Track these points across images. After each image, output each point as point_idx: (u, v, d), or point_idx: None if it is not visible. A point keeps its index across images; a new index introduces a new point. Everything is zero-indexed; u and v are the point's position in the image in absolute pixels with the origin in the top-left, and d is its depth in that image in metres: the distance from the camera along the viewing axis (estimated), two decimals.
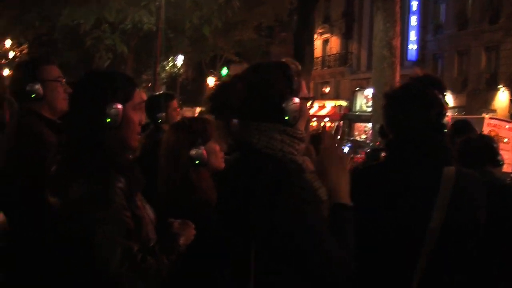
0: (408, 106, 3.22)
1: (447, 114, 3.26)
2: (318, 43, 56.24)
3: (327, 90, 58.75)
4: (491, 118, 29.52)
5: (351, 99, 53.74)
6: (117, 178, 2.73)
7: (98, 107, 2.81)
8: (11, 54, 48.27)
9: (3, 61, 51.46)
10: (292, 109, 2.60)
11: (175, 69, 34.63)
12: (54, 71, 4.21)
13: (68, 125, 3.02)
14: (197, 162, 3.49)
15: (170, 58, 29.75)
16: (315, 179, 2.69)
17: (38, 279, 3.15)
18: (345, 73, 54.54)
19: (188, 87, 53.38)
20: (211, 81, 48.30)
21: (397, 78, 14.12)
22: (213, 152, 3.58)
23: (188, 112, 78.62)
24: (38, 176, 3.35)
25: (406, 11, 41.06)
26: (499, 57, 38.41)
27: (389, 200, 3.06)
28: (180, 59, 34.26)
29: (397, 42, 14.01)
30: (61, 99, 4.14)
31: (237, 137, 2.77)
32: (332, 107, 56.51)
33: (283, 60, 2.79)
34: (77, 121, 2.90)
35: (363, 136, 45.49)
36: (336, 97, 56.47)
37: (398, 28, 14.18)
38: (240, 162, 2.69)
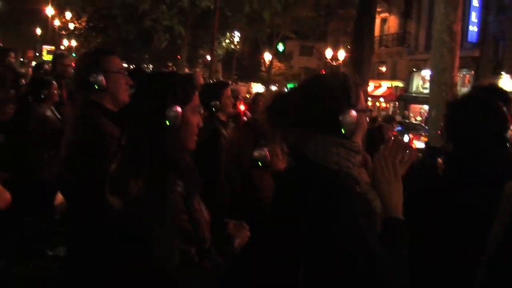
0: (470, 117, 3.16)
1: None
2: (376, 22, 55.68)
3: (383, 69, 58.18)
4: None
5: (408, 80, 53.16)
6: (176, 182, 2.76)
7: (158, 110, 2.85)
8: (71, 26, 49.09)
9: (63, 32, 52.40)
10: (349, 122, 2.57)
11: (232, 46, 34.72)
12: (117, 62, 4.27)
13: (128, 126, 3.05)
14: (259, 163, 3.48)
15: (227, 35, 29.85)
16: (370, 191, 2.67)
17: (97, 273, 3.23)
18: (402, 53, 53.79)
19: (243, 62, 53.39)
20: (267, 56, 48.15)
21: (457, 63, 13.81)
22: (276, 155, 3.56)
23: (243, 87, 79.03)
24: (96, 168, 3.44)
25: None
26: None
27: (446, 217, 3.02)
28: (237, 36, 34.31)
29: (458, 27, 13.66)
30: (123, 91, 4.19)
31: (292, 148, 2.76)
32: (388, 87, 56.04)
33: (342, 72, 2.77)
34: (137, 122, 2.94)
35: (419, 118, 45.00)
36: (393, 77, 55.90)
37: (459, 12, 13.82)
38: (294, 172, 2.69)
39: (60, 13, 44.77)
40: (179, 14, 17.44)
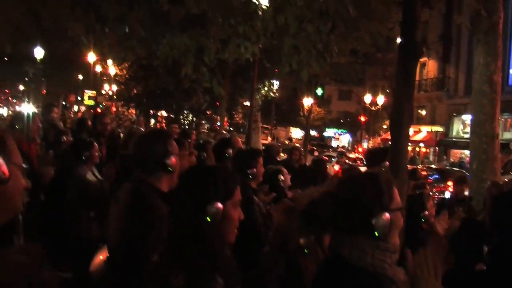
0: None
1: None
2: None
3: (423, 112, 57.90)
4: None
5: (447, 125, 52.78)
6: (215, 278, 2.74)
7: (199, 205, 2.86)
8: (112, 71, 49.92)
9: (104, 78, 53.31)
10: (382, 225, 2.61)
11: (271, 93, 34.97)
12: (175, 145, 4.38)
13: (171, 220, 3.06)
14: (306, 250, 3.45)
15: (266, 83, 30.08)
16: None
17: None
18: (442, 98, 53.55)
19: (282, 107, 53.62)
20: (306, 101, 48.27)
21: (497, 114, 13.63)
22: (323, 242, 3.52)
23: (281, 131, 79.20)
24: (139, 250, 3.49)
25: (508, 34, 39.97)
26: None
27: None
28: (275, 84, 34.58)
29: (498, 77, 13.52)
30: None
31: (328, 249, 2.76)
32: (427, 132, 55.67)
33: (375, 172, 2.78)
34: (180, 215, 2.94)
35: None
36: (432, 122, 55.58)
37: (499, 63, 13.70)
38: (331, 273, 2.67)
39: (101, 59, 45.61)
40: (218, 67, 17.69)
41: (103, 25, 8.14)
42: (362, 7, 11.10)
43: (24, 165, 2.57)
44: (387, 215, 2.60)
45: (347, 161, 39.36)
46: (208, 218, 2.86)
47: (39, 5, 19.90)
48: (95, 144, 7.69)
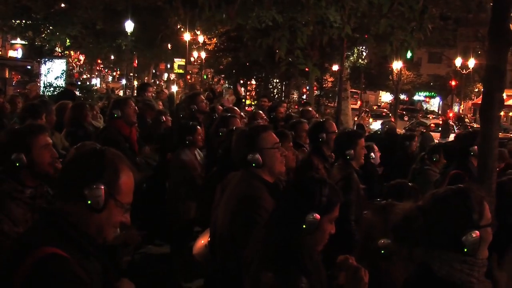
0: None
1: None
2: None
3: None
4: None
5: None
6: (301, 279, 2.98)
7: (300, 213, 3.08)
8: (200, 39, 50.43)
9: (193, 47, 53.86)
10: (471, 242, 2.75)
11: (360, 60, 34.69)
12: (271, 138, 4.59)
13: (270, 222, 3.29)
14: (383, 252, 3.57)
15: (355, 50, 29.92)
16: None
17: None
18: None
19: (371, 71, 52.89)
20: (396, 65, 47.49)
21: None
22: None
23: (371, 96, 78.23)
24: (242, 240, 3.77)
25: None
26: None
27: None
28: (364, 52, 34.33)
29: None
30: (279, 163, 4.58)
31: (418, 261, 2.90)
32: None
33: (465, 186, 2.89)
34: (280, 218, 3.18)
35: None
36: None
37: None
38: (419, 285, 2.87)
39: (191, 28, 46.17)
40: (308, 44, 17.73)
41: (200, 12, 8.32)
42: None
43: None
44: (477, 232, 2.74)
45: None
46: (304, 226, 3.08)
47: None
48: (198, 128, 7.85)
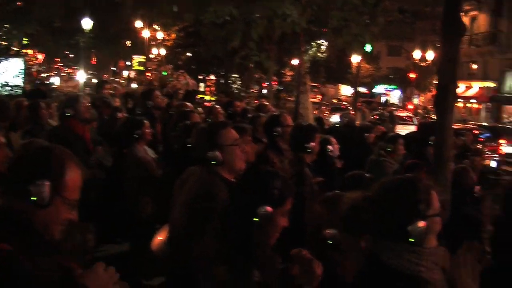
0: None
1: None
2: (465, 20, 54.34)
3: (474, 66, 56.93)
4: None
5: (500, 80, 51.80)
6: (253, 272, 3.02)
7: (251, 206, 3.05)
8: (160, 35, 50.18)
9: (153, 43, 53.65)
10: (418, 232, 2.73)
11: (319, 54, 34.78)
12: (231, 134, 4.61)
13: (225, 215, 3.27)
14: (330, 242, 3.56)
15: (313, 44, 29.92)
16: None
17: None
18: (493, 53, 52.45)
19: (331, 64, 53.16)
20: (355, 58, 47.80)
21: None
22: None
23: (331, 89, 78.65)
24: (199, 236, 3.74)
25: None
26: None
27: None
28: (323, 46, 34.43)
29: None
30: (239, 160, 4.57)
31: (367, 251, 2.90)
32: (479, 87, 54.76)
33: (412, 176, 2.91)
34: (232, 213, 3.16)
35: None
36: (484, 77, 54.58)
37: None
38: (369, 275, 2.85)
39: (149, 25, 45.95)
40: (265, 38, 17.69)
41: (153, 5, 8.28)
42: None
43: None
44: (423, 222, 2.74)
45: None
46: (256, 219, 3.05)
47: None
48: (146, 122, 7.74)
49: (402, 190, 2.84)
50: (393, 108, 53.75)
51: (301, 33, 15.51)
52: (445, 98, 5.56)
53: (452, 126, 5.71)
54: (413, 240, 2.73)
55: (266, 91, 47.87)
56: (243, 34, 9.99)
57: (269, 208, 3.08)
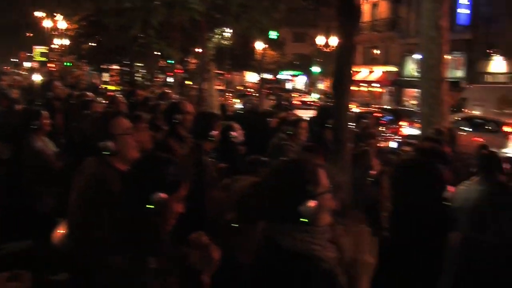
0: (414, 183, 3.42)
1: None
2: (366, 7, 55.50)
3: (377, 51, 58.20)
4: None
5: (401, 64, 53.14)
6: (149, 260, 2.98)
7: (145, 192, 3.02)
8: (62, 25, 49.02)
9: (55, 33, 52.33)
10: (309, 211, 2.79)
11: (223, 41, 34.68)
12: (123, 123, 4.56)
13: (119, 203, 3.22)
14: (229, 227, 3.59)
15: (217, 31, 29.80)
16: (337, 267, 2.86)
17: None
18: (394, 38, 53.74)
19: (235, 52, 53.21)
20: (259, 45, 48.03)
21: (444, 59, 13.86)
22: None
23: (236, 76, 78.78)
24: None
25: None
26: None
27: None
28: (227, 33, 34.33)
29: (444, 23, 13.67)
30: (132, 149, 4.57)
31: (263, 234, 2.93)
32: (382, 72, 56.01)
33: (301, 158, 2.96)
34: (125, 201, 3.12)
35: (413, 102, 44.85)
36: (386, 62, 55.86)
37: (446, 7, 13.83)
38: (266, 259, 2.89)
39: (50, 14, 44.83)
40: (166, 25, 17.51)
41: None
42: None
43: None
44: (313, 201, 2.79)
45: None
46: (150, 206, 3.02)
47: None
48: (44, 112, 7.61)
49: (288, 172, 2.89)
50: (293, 94, 54.43)
51: (202, 20, 15.46)
52: (341, 81, 5.68)
53: (349, 109, 5.83)
54: (305, 220, 2.78)
55: (173, 79, 47.72)
56: (143, 22, 9.87)
57: (163, 195, 3.05)
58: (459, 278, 3.31)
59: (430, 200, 3.45)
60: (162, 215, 3.09)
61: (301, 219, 2.78)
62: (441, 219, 3.47)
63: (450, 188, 3.51)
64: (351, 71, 5.86)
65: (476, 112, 28.27)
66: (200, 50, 26.56)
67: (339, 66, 5.75)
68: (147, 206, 3.02)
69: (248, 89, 62.29)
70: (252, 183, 3.22)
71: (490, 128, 23.44)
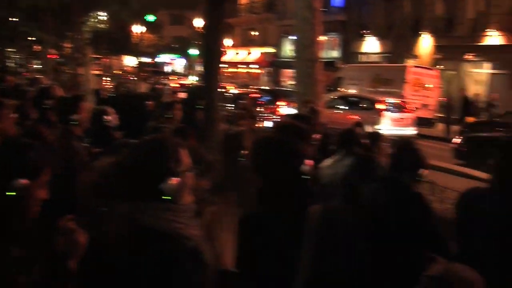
0: (272, 159, 3.50)
1: None
2: None
3: (255, 33, 58.75)
4: (415, 67, 30.45)
5: (278, 45, 53.87)
6: (11, 249, 2.87)
7: (4, 179, 2.90)
8: None
9: None
10: (171, 189, 2.78)
11: (99, 25, 34.04)
12: None
13: None
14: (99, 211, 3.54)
15: (92, 15, 29.21)
16: (202, 244, 2.87)
17: None
18: (271, 19, 54.37)
19: (113, 35, 52.31)
20: (137, 28, 47.45)
21: (318, 39, 14.13)
22: None
23: (114, 60, 77.54)
24: None
25: None
26: (423, 3, 38.49)
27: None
28: (104, 16, 33.74)
29: (317, 4, 13.94)
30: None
31: (127, 216, 2.89)
32: (261, 53, 56.60)
33: (161, 135, 2.94)
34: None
35: (290, 82, 45.56)
36: (264, 43, 56.48)
37: None
38: (132, 240, 2.84)
39: None
40: (38, 10, 16.94)
41: None
42: None
43: None
44: (173, 180, 2.79)
45: None
46: (11, 193, 2.91)
47: None
48: None
49: (149, 150, 2.86)
50: (171, 77, 54.23)
51: (71, 3, 15.12)
52: (211, 62, 5.71)
53: (218, 89, 5.87)
54: (167, 197, 2.77)
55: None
56: (9, 4, 9.48)
57: (24, 181, 2.95)
58: (319, 249, 3.40)
59: (288, 174, 3.53)
60: (25, 201, 2.99)
61: (163, 197, 2.77)
62: (301, 192, 3.55)
63: (308, 162, 3.58)
64: (220, 51, 5.90)
65: (351, 91, 29.17)
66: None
67: (208, 46, 5.76)
68: (7, 193, 2.92)
69: (126, 73, 61.44)
70: (112, 163, 3.16)
71: (364, 105, 24.23)
